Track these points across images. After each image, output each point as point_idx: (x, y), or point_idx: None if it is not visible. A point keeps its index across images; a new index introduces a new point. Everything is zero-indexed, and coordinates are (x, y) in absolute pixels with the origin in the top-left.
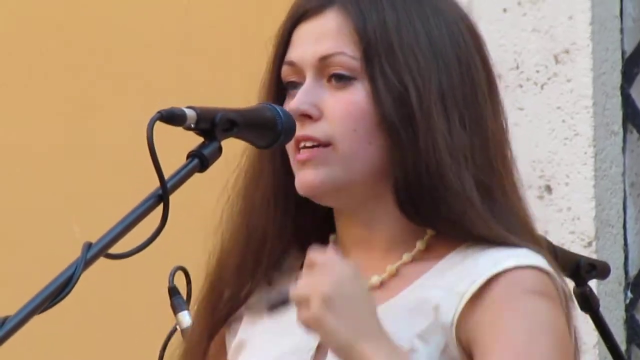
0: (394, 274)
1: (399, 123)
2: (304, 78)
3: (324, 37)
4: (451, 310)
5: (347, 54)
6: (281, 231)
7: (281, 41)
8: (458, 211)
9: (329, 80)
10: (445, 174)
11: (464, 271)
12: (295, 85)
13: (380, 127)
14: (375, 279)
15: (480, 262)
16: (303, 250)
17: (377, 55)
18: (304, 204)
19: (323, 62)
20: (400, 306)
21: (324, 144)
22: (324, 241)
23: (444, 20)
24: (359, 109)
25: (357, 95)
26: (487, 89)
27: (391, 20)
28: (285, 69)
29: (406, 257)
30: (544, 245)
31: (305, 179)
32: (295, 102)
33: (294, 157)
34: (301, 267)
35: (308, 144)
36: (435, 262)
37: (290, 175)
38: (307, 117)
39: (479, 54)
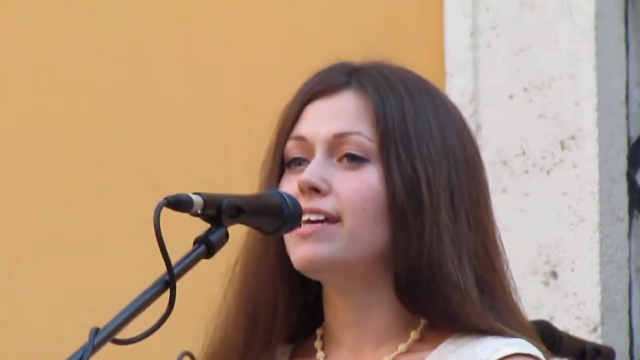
0: None
1: (408, 209)
2: (311, 154)
3: (341, 115)
4: None
5: (364, 134)
6: (289, 310)
7: (290, 117)
8: (455, 304)
9: (339, 159)
10: (445, 266)
11: None
12: (301, 161)
13: (389, 210)
14: None
15: (478, 351)
16: (289, 343)
17: (393, 140)
18: (295, 292)
19: (337, 140)
20: None
21: (333, 220)
22: (310, 334)
23: (453, 120)
24: (371, 189)
25: (370, 176)
26: (486, 192)
27: (408, 108)
28: (292, 144)
29: (402, 347)
30: (539, 341)
31: (306, 253)
32: (307, 175)
33: (294, 232)
34: None
35: (313, 217)
36: (429, 352)
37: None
38: (315, 191)
39: (478, 157)
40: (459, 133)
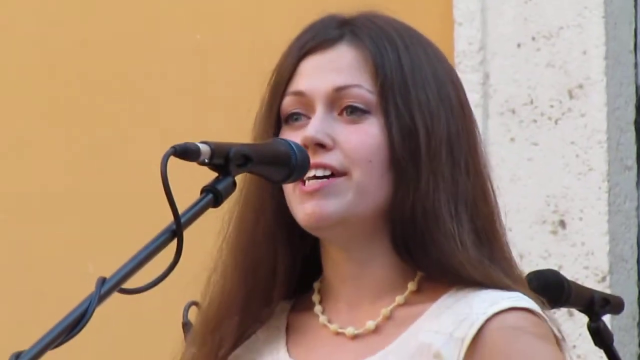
0: (388, 317)
1: (405, 160)
2: (311, 109)
3: (340, 68)
4: (453, 357)
5: (364, 87)
6: (287, 265)
7: (285, 73)
8: (448, 253)
9: (340, 113)
10: (441, 215)
11: (459, 314)
12: (299, 116)
13: (391, 162)
14: (370, 324)
15: (474, 304)
16: (287, 299)
17: (392, 91)
18: (294, 247)
19: (338, 93)
20: (400, 353)
21: (340, 173)
22: (308, 288)
23: (446, 68)
24: (375, 141)
25: (372, 128)
26: (480, 140)
27: (405, 58)
28: (289, 100)
29: (399, 299)
30: (534, 294)
31: (314, 210)
32: (310, 131)
33: (297, 190)
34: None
35: (319, 172)
36: (429, 305)
37: (287, 215)
38: (320, 146)
39: (469, 106)
40: (453, 82)
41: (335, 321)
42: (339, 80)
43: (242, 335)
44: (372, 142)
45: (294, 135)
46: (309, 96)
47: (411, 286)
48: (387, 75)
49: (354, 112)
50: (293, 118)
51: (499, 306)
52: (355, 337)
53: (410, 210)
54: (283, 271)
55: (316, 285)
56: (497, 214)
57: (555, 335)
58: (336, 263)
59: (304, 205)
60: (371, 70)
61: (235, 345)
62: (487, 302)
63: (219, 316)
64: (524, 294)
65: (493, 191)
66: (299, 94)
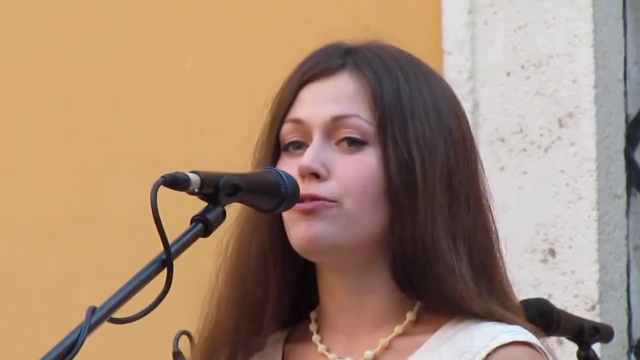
0: (387, 347)
1: (402, 192)
2: (309, 137)
3: (339, 98)
4: None
5: (362, 117)
6: (281, 293)
7: (286, 100)
8: (449, 286)
9: (337, 143)
10: (440, 249)
11: (460, 347)
12: (299, 145)
13: (387, 194)
14: (368, 354)
15: (475, 337)
16: (283, 328)
17: (390, 123)
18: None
19: (335, 123)
20: None
21: (331, 202)
22: (303, 318)
23: (448, 99)
24: (370, 172)
25: (369, 159)
26: (482, 172)
27: (404, 90)
28: (288, 127)
29: (398, 329)
30: (533, 327)
31: (306, 231)
32: (306, 160)
33: (292, 211)
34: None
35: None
36: (427, 337)
37: (284, 243)
38: (315, 176)
39: (472, 137)
40: (455, 112)
41: (333, 351)
42: (337, 109)
43: None
44: (368, 173)
45: (291, 163)
46: (307, 124)
47: (410, 316)
48: (385, 106)
49: (352, 144)
50: (294, 146)
51: (500, 340)
52: None
53: (411, 243)
54: (278, 300)
55: (313, 314)
56: (497, 246)
57: None
58: (334, 292)
59: (298, 226)
60: (370, 101)
61: None
62: (488, 335)
63: (213, 346)
64: (524, 327)
65: (494, 223)
66: (297, 121)
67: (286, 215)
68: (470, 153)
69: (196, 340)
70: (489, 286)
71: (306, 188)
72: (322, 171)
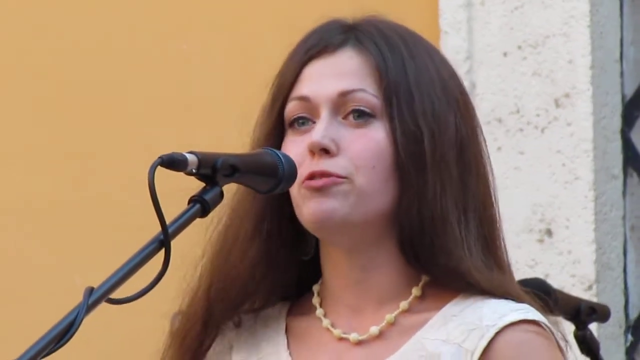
0: (393, 323)
1: (411, 165)
2: (316, 114)
3: (344, 73)
4: None
5: (369, 91)
6: (271, 272)
7: (288, 78)
8: (456, 259)
9: (345, 117)
10: (449, 222)
11: (468, 323)
12: (305, 120)
13: (396, 167)
14: (374, 329)
15: (484, 315)
16: (285, 300)
17: (396, 96)
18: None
19: (343, 98)
20: None
21: (342, 177)
22: (304, 292)
23: (452, 73)
24: (379, 146)
25: (377, 133)
26: (485, 144)
27: (409, 63)
28: (294, 105)
29: (403, 305)
30: (539, 304)
31: (319, 207)
32: (316, 136)
33: (302, 188)
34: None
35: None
36: (434, 313)
37: (281, 218)
38: (324, 151)
39: (474, 110)
40: (459, 86)
41: (337, 326)
42: (344, 84)
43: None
44: (377, 147)
45: (299, 140)
46: (313, 101)
47: (415, 291)
48: (390, 79)
49: (360, 116)
50: (299, 122)
51: (509, 318)
52: (359, 343)
53: (418, 216)
54: (276, 274)
55: (316, 288)
56: (500, 219)
57: (561, 348)
58: (339, 268)
59: (309, 202)
60: (375, 75)
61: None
62: (497, 313)
63: (188, 318)
64: (531, 305)
65: (495, 196)
66: (303, 99)
67: (296, 192)
68: (476, 124)
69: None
70: (494, 260)
71: (316, 164)
72: (332, 147)
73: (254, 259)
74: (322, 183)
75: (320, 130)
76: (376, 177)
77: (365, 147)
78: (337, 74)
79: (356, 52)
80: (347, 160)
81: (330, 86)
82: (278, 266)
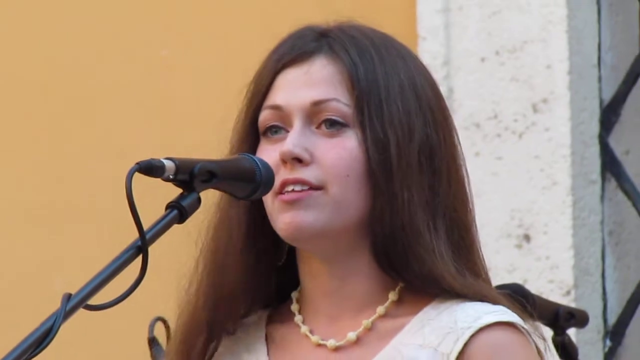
0: (370, 328)
1: (380, 174)
2: (289, 123)
3: (317, 82)
4: None
5: (341, 100)
6: (256, 280)
7: (262, 86)
8: (429, 265)
9: (318, 126)
10: (417, 229)
11: (443, 327)
12: (278, 129)
13: (368, 176)
14: (351, 335)
15: (459, 318)
16: (264, 308)
17: (367, 105)
18: (270, 258)
19: (315, 107)
20: None
21: (315, 188)
22: (284, 299)
23: (425, 77)
24: (352, 155)
25: (350, 142)
26: (460, 148)
27: (380, 70)
28: (267, 114)
29: (380, 310)
30: (516, 307)
31: (293, 219)
32: (288, 145)
33: (277, 200)
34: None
35: (297, 187)
36: (410, 318)
37: (263, 226)
38: (298, 161)
39: (449, 114)
40: (433, 89)
41: (316, 332)
42: (317, 94)
43: (210, 350)
44: (350, 156)
45: (272, 149)
46: (286, 110)
47: (392, 296)
48: (362, 88)
49: (333, 126)
50: (272, 131)
51: (484, 321)
52: (337, 349)
53: (390, 224)
54: (258, 282)
55: (294, 295)
56: (475, 224)
57: (539, 350)
58: (316, 276)
59: (284, 215)
60: (347, 83)
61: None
62: (471, 316)
63: (192, 331)
64: (507, 307)
65: (471, 200)
66: (276, 107)
67: (269, 203)
68: (450, 128)
69: (174, 325)
70: (468, 264)
71: (290, 173)
72: (304, 156)
73: (240, 267)
74: (296, 197)
75: (293, 140)
76: (350, 186)
77: (339, 156)
78: (310, 83)
79: (329, 61)
80: (320, 170)
81: (303, 95)
82: (257, 273)
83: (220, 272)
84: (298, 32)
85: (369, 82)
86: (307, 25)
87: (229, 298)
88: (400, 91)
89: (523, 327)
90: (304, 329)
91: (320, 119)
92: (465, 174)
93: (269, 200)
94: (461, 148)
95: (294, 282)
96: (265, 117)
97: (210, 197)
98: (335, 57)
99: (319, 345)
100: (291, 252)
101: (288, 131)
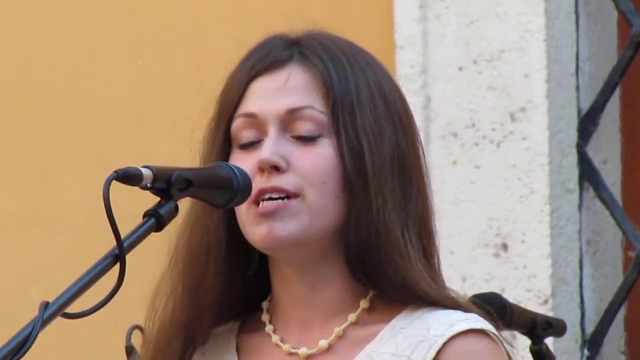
0: (341, 336)
1: (356, 181)
2: (263, 131)
3: (291, 90)
4: None
5: (316, 108)
6: (228, 290)
7: (234, 94)
8: (403, 271)
9: (293, 135)
10: (391, 235)
11: (416, 335)
12: (254, 143)
13: (344, 183)
14: (323, 343)
15: (431, 326)
16: (235, 318)
17: (341, 112)
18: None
19: (290, 115)
20: None
21: (293, 195)
22: (254, 308)
23: (392, 85)
24: (328, 162)
25: (325, 149)
26: (424, 156)
27: (351, 77)
28: (240, 122)
29: (352, 317)
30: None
31: (270, 231)
32: (265, 153)
33: (252, 211)
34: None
35: (274, 195)
36: (383, 326)
37: (239, 235)
38: (275, 169)
39: (415, 123)
40: (400, 97)
41: (287, 341)
42: (292, 102)
43: (185, 357)
44: (326, 163)
45: (246, 158)
46: (261, 118)
47: (363, 304)
48: (337, 95)
49: (308, 133)
50: (245, 139)
51: (456, 328)
52: (308, 357)
53: (366, 231)
54: (229, 292)
55: (265, 304)
56: (436, 233)
57: (508, 355)
58: (288, 284)
59: (259, 226)
60: (322, 90)
61: None
62: (444, 324)
63: (165, 340)
64: (478, 315)
65: (432, 209)
66: (250, 115)
67: (243, 212)
68: (416, 137)
69: (147, 334)
70: (432, 271)
71: (266, 182)
72: (281, 163)
73: (216, 276)
74: (273, 209)
75: (270, 147)
76: (327, 193)
77: (315, 163)
78: (284, 91)
79: (302, 68)
80: (297, 177)
81: (278, 103)
82: (231, 283)
83: (196, 281)
84: (268, 40)
85: (342, 89)
86: (276, 34)
87: (203, 307)
88: (370, 98)
89: (495, 334)
90: (275, 338)
91: (295, 129)
92: (428, 183)
93: (243, 209)
94: (424, 156)
95: (264, 292)
96: (238, 125)
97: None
98: (308, 64)
99: (291, 354)
100: (261, 261)
101: (261, 140)
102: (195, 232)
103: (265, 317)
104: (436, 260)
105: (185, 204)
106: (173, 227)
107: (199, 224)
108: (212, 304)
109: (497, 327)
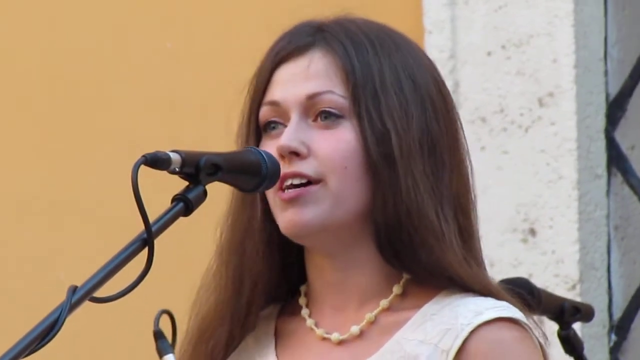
0: (373, 322)
1: (381, 164)
2: (287, 118)
3: (311, 76)
4: None
5: (336, 92)
6: (271, 275)
7: (261, 82)
8: (437, 253)
9: (315, 119)
10: (425, 215)
11: (444, 323)
12: (276, 125)
13: (367, 167)
14: (355, 329)
15: (460, 313)
16: (275, 302)
17: (363, 96)
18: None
19: (311, 101)
20: None
21: (315, 181)
22: (293, 292)
23: (424, 66)
24: (349, 146)
25: (347, 133)
26: (463, 134)
27: (374, 61)
28: (266, 110)
29: (384, 303)
30: (518, 302)
31: (293, 217)
32: (285, 140)
33: (277, 197)
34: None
35: (296, 181)
36: (413, 312)
37: (274, 221)
38: (295, 154)
39: (452, 100)
40: (434, 77)
41: (321, 325)
42: (311, 87)
43: (232, 344)
44: (346, 147)
45: (271, 144)
46: (283, 105)
47: (396, 289)
48: (357, 79)
49: (328, 118)
50: (270, 127)
51: (484, 317)
52: (340, 343)
53: (394, 212)
54: (272, 277)
55: (302, 288)
56: (476, 214)
57: (541, 345)
58: (320, 269)
59: (284, 213)
60: (342, 75)
61: (226, 355)
62: (472, 311)
63: (212, 326)
64: (509, 302)
65: (474, 192)
66: (274, 103)
67: (271, 199)
68: (452, 115)
69: (187, 320)
70: (472, 253)
71: (288, 167)
72: (301, 149)
73: (262, 259)
74: (294, 194)
75: (289, 134)
76: (349, 178)
77: (336, 148)
78: (305, 77)
79: (323, 54)
80: (318, 162)
81: (299, 89)
82: (274, 267)
83: (240, 268)
84: (295, 27)
85: (363, 73)
86: (305, 21)
87: (248, 294)
88: (395, 81)
89: (525, 323)
90: (310, 322)
91: (316, 112)
92: (469, 165)
93: (270, 195)
94: (465, 138)
95: (304, 276)
96: (264, 113)
97: (213, 194)
98: (329, 49)
99: (324, 338)
100: (300, 246)
101: (286, 126)
102: (238, 220)
103: (302, 300)
104: (476, 241)
105: (226, 193)
106: (202, 213)
107: (239, 212)
108: (257, 290)
109: (529, 313)
